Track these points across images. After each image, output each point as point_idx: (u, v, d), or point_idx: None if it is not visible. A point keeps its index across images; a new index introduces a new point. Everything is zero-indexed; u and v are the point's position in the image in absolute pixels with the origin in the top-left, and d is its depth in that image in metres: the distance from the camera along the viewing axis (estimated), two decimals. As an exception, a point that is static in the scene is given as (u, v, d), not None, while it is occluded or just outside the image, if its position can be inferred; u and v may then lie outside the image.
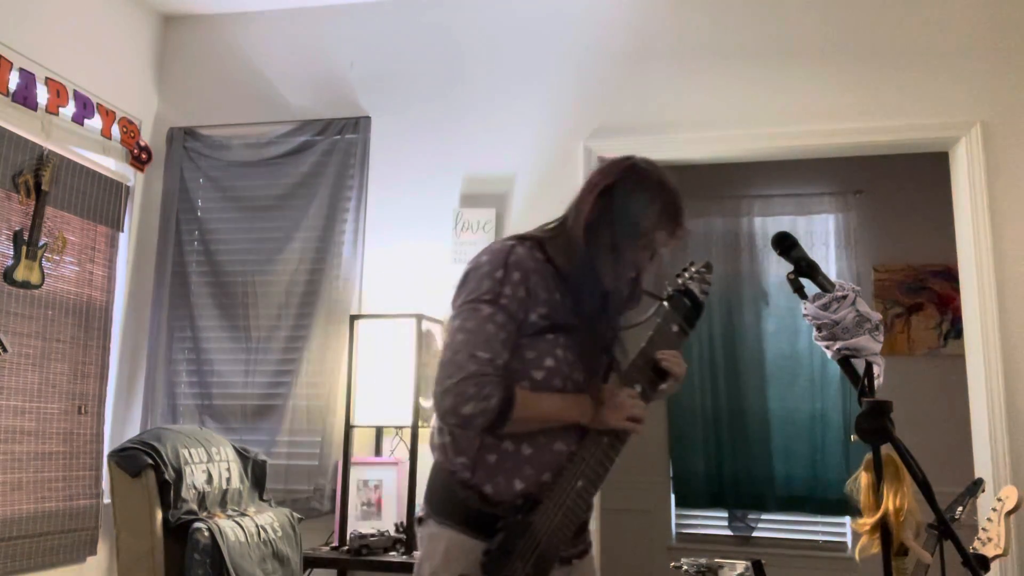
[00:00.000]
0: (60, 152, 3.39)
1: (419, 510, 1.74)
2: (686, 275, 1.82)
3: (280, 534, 2.90)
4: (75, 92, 3.49)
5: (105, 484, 3.46)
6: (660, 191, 1.71)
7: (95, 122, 3.61)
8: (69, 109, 3.45)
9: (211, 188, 3.87)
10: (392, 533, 3.18)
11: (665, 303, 1.78)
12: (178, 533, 2.57)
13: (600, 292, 1.67)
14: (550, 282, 1.67)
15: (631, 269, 1.71)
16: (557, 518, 1.58)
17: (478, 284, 1.63)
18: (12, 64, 3.19)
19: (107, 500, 3.42)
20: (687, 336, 1.78)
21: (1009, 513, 2.13)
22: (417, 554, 1.71)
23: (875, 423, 1.41)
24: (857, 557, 1.70)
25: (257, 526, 2.80)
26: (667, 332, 1.75)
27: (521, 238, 1.72)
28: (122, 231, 3.77)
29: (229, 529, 2.64)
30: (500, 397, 1.55)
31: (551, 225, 1.78)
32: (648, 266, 1.74)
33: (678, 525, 4.80)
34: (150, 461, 2.58)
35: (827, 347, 1.61)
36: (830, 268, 4.61)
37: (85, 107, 3.54)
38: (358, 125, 3.75)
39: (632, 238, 1.68)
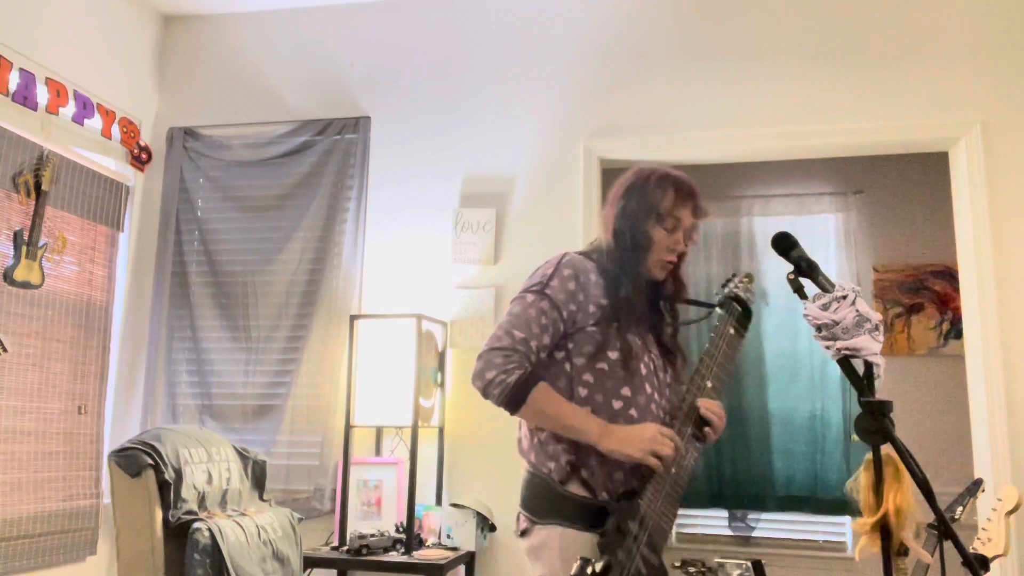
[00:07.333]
0: (60, 152, 3.39)
1: (519, 523, 1.81)
2: (731, 284, 1.98)
3: (280, 534, 2.89)
4: (75, 92, 3.49)
5: (105, 484, 3.46)
6: (668, 176, 1.88)
7: (95, 122, 3.61)
8: (69, 109, 3.45)
9: (211, 188, 3.87)
10: (392, 533, 3.18)
11: (718, 308, 1.93)
12: (178, 533, 2.57)
13: (637, 277, 1.83)
14: (603, 286, 1.84)
15: (665, 252, 1.86)
16: (658, 503, 1.68)
17: (529, 281, 1.87)
18: (12, 64, 3.19)
19: (107, 500, 3.42)
20: (743, 338, 1.92)
21: (1009, 513, 2.12)
22: (532, 570, 1.77)
23: (875, 423, 1.41)
24: (857, 557, 1.70)
25: (257, 526, 2.80)
26: (725, 333, 1.88)
27: (571, 252, 1.92)
28: (122, 231, 3.77)
29: (229, 529, 2.64)
30: (520, 376, 1.72)
31: (591, 244, 1.96)
32: (686, 249, 1.89)
33: (678, 525, 4.80)
34: (150, 461, 2.58)
35: (827, 347, 1.61)
36: (830, 268, 4.60)
37: (85, 107, 3.54)
38: (358, 125, 3.75)
39: (656, 223, 1.85)
